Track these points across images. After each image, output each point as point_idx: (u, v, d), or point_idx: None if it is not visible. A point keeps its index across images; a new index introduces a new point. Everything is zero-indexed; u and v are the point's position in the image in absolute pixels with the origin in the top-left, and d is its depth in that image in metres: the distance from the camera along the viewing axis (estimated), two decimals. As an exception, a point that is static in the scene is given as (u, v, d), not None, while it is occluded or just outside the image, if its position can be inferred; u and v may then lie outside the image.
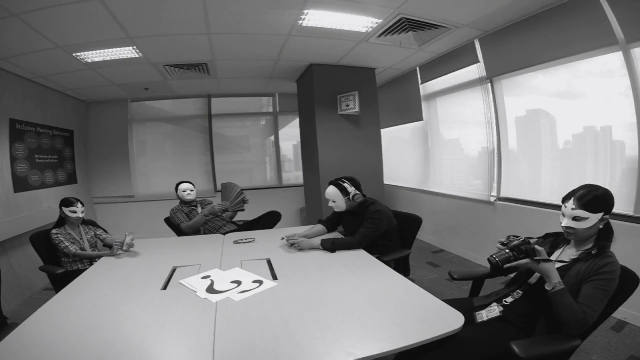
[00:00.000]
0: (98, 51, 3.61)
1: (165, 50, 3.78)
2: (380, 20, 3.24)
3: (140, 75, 4.59)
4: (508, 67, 3.60)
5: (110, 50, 3.60)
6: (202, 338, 1.34)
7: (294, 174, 6.82)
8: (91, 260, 2.80)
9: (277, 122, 6.65)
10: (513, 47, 3.47)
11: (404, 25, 3.34)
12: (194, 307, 1.64)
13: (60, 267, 2.77)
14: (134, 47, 3.55)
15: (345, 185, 2.66)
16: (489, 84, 3.90)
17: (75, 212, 2.92)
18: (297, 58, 4.36)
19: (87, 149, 5.90)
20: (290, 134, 6.69)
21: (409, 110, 5.40)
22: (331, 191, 2.71)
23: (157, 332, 1.43)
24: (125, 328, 1.48)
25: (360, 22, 3.31)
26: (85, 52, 3.60)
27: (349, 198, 2.63)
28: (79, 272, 2.48)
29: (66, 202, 2.94)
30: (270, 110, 6.70)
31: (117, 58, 3.83)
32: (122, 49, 3.59)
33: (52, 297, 1.85)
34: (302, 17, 3.11)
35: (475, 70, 4.05)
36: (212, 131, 6.36)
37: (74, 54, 3.58)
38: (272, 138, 6.75)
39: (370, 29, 3.45)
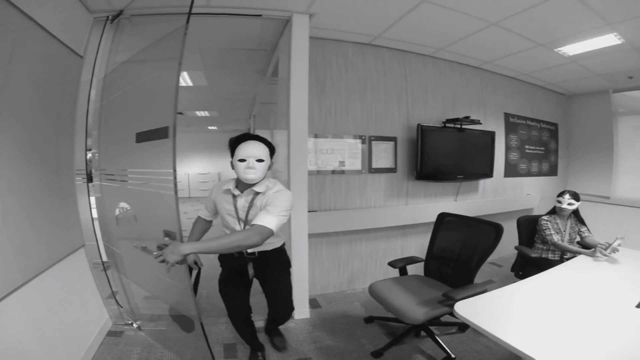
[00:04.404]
0: (578, 43, 3.65)
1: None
2: None
3: (623, 62, 4.22)
4: None
5: (591, 40, 3.56)
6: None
7: None
8: (563, 253, 3.01)
9: None
10: None
11: None
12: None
13: (532, 251, 3.11)
14: (615, 33, 3.37)
15: None
16: None
17: (560, 202, 3.14)
18: None
19: (569, 143, 6.03)
20: None
21: None
22: None
23: (617, 348, 1.43)
24: (588, 329, 1.59)
25: None
26: (566, 47, 3.76)
27: None
28: (548, 261, 2.79)
29: (559, 193, 3.23)
30: None
31: (598, 48, 3.74)
32: (603, 37, 3.46)
33: (526, 278, 2.26)
34: None
35: None
36: None
37: (555, 50, 3.85)
38: None
39: None
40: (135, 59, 2.59)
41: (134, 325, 2.84)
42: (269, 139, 2.10)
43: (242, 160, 2.00)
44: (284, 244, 2.34)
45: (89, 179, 2.81)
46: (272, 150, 2.11)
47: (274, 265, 2.27)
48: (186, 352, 2.53)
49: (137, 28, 2.87)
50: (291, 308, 2.36)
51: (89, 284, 2.71)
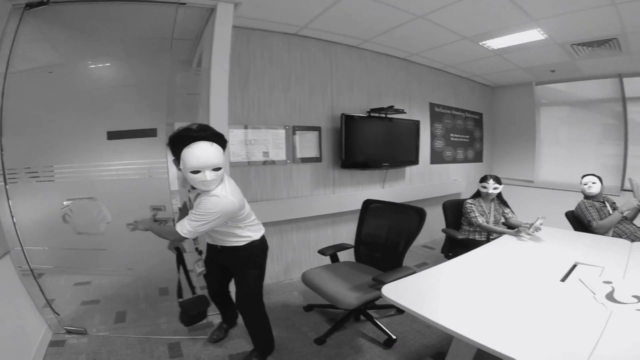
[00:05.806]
0: (503, 38, 3.80)
1: (571, 29, 3.53)
2: None
3: (546, 57, 4.46)
4: None
5: (515, 35, 3.70)
6: (582, 342, 1.32)
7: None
8: (489, 234, 3.17)
9: None
10: None
11: None
12: (587, 309, 1.60)
13: (460, 233, 3.29)
14: (539, 29, 3.52)
15: None
16: None
17: (485, 187, 3.30)
18: None
19: (494, 131, 6.46)
20: None
21: None
22: None
23: (545, 320, 1.50)
24: (516, 304, 1.66)
25: None
26: (491, 40, 3.90)
27: None
28: (475, 242, 2.93)
29: (481, 178, 3.41)
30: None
31: (522, 42, 3.89)
32: (527, 32, 3.62)
33: (452, 259, 2.33)
34: None
35: None
36: (627, 118, 4.99)
37: (480, 43, 3.99)
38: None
39: None
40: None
41: (75, 332, 2.68)
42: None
43: (196, 172, 1.72)
44: (251, 242, 2.14)
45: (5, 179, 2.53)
46: (225, 145, 1.87)
47: (232, 263, 2.21)
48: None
49: (60, 17, 2.69)
50: (244, 308, 2.27)
51: (21, 293, 2.46)
